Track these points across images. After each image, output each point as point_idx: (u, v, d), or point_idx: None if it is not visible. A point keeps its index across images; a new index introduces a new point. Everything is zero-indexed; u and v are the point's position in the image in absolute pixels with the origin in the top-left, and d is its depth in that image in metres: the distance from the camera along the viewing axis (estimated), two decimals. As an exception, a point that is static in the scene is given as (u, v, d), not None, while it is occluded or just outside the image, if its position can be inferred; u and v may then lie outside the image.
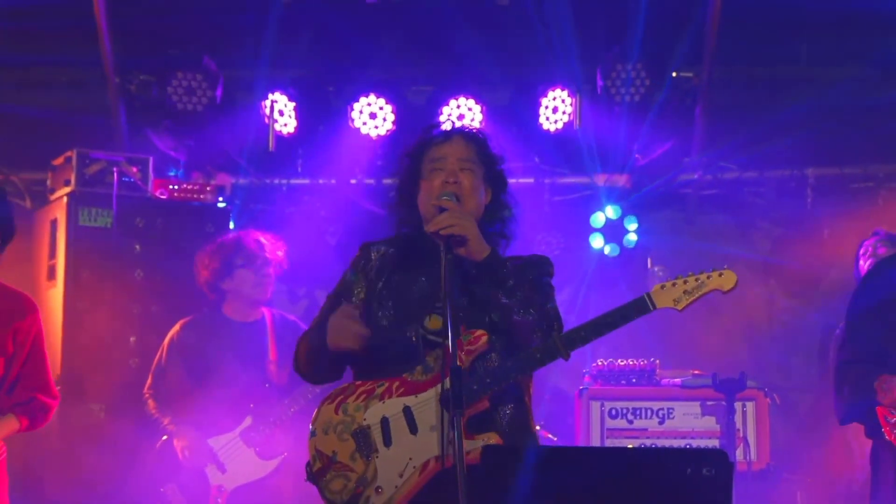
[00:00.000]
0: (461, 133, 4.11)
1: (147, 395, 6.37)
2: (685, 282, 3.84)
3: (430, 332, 3.91)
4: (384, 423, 3.90)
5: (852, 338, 4.89)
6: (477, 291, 3.81)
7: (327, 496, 3.90)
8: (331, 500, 3.90)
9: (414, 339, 3.93)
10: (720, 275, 3.83)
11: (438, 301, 3.83)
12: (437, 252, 3.84)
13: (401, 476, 3.84)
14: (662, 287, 3.83)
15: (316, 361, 4.10)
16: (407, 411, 3.87)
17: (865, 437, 4.84)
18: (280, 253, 6.54)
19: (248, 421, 6.23)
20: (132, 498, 6.32)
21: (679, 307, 3.82)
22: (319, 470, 3.92)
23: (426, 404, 3.86)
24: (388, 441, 3.89)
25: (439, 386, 3.82)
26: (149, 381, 6.39)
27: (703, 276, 3.83)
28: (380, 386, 3.94)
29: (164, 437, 6.29)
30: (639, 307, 3.83)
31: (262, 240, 6.48)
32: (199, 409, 6.25)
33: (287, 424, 6.22)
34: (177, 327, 6.44)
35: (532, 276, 4.01)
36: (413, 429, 3.86)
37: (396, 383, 3.92)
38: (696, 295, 3.82)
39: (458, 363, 3.73)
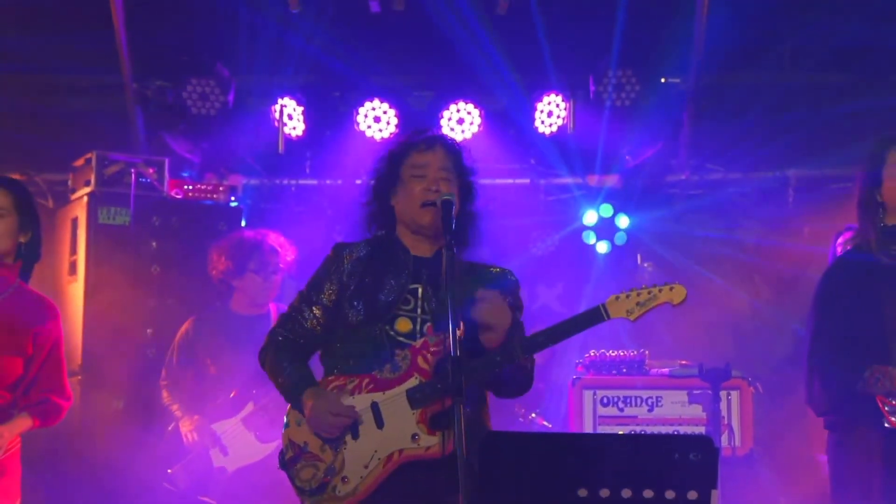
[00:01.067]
0: (443, 143, 4.10)
1: (162, 386, 6.45)
2: (638, 294, 3.79)
3: (400, 335, 3.92)
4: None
5: (829, 331, 4.83)
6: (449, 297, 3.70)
7: (297, 484, 3.93)
8: (300, 488, 3.93)
9: (383, 339, 3.93)
10: (671, 289, 3.80)
11: (406, 304, 3.92)
12: (405, 256, 3.93)
13: (366, 467, 3.86)
14: (617, 298, 3.79)
15: (274, 384, 4.13)
16: (374, 407, 3.88)
17: (825, 427, 4.80)
18: (290, 258, 6.56)
19: (249, 407, 6.26)
20: (144, 479, 6.34)
21: (632, 318, 3.78)
22: (291, 459, 3.96)
23: (393, 400, 3.87)
24: (355, 434, 3.90)
25: (407, 383, 3.86)
26: (163, 372, 6.46)
27: (655, 290, 3.79)
28: (350, 382, 3.95)
29: (172, 425, 6.36)
30: (593, 317, 3.80)
31: (277, 246, 6.50)
32: (206, 398, 6.33)
33: (284, 410, 6.22)
34: (187, 324, 6.50)
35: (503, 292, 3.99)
36: (379, 423, 3.88)
37: (366, 380, 3.93)
38: (648, 307, 3.77)
39: (425, 364, 3.83)
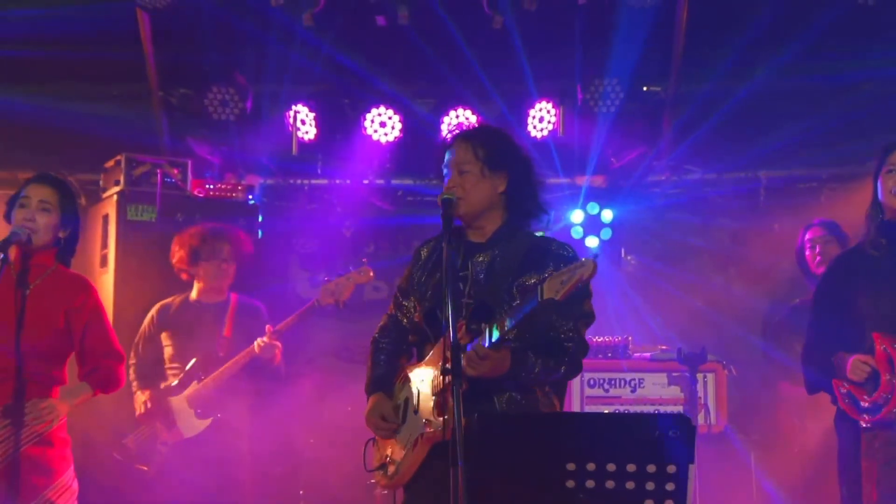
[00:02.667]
0: (461, 136, 4.02)
1: (129, 366, 6.38)
2: (561, 274, 3.49)
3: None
4: (406, 403, 3.94)
5: (817, 324, 4.86)
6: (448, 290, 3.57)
7: (370, 464, 4.01)
8: (370, 468, 4.01)
9: (429, 327, 3.92)
10: (581, 265, 3.47)
11: (455, 290, 3.77)
12: (460, 243, 3.86)
13: (403, 450, 3.86)
14: (550, 280, 3.51)
15: None
16: (417, 393, 3.88)
17: (831, 403, 4.80)
18: (246, 250, 6.54)
19: (194, 385, 6.25)
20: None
21: (558, 297, 3.47)
22: (376, 440, 4.05)
23: (424, 385, 3.87)
24: (403, 419, 3.91)
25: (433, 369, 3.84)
26: (131, 353, 6.41)
27: (572, 268, 3.48)
28: (408, 369, 3.95)
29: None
30: (531, 297, 3.53)
31: (230, 237, 6.46)
32: (160, 376, 6.34)
33: (223, 390, 6.24)
34: (153, 310, 6.49)
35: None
36: (417, 409, 3.87)
37: (417, 368, 3.93)
38: (568, 285, 3.46)
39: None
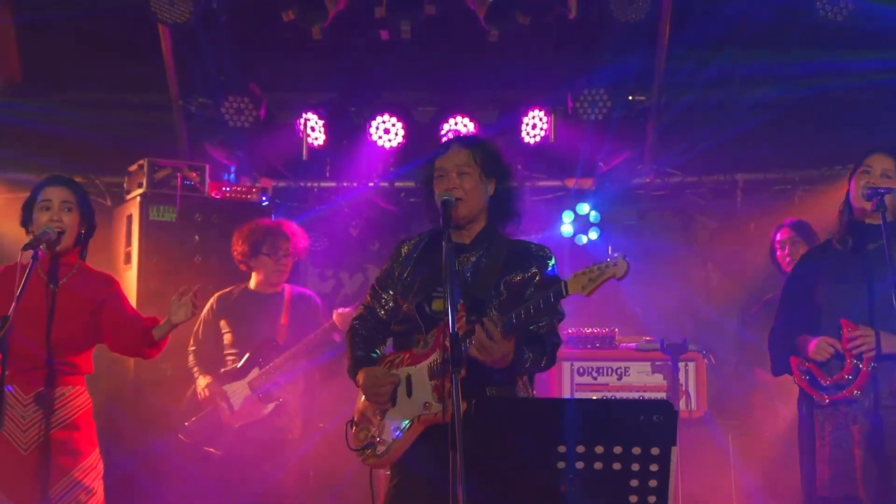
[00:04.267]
0: (458, 141, 4.08)
1: (190, 351, 6.43)
2: (590, 271, 3.60)
3: (436, 314, 3.87)
4: (395, 386, 3.92)
5: (783, 311, 4.89)
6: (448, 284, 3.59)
7: (352, 444, 3.96)
8: (354, 447, 3.96)
9: (422, 319, 3.92)
10: (615, 264, 3.58)
11: (440, 286, 3.81)
12: (441, 245, 3.81)
13: (396, 430, 3.87)
14: (576, 276, 3.61)
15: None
16: (408, 378, 3.89)
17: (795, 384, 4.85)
18: (302, 245, 6.54)
19: (255, 372, 6.23)
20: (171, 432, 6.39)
21: (586, 292, 3.58)
22: (352, 422, 4.02)
23: (420, 373, 3.87)
24: (394, 402, 3.91)
25: (431, 357, 3.84)
26: (191, 340, 6.43)
27: (602, 266, 3.59)
28: (397, 357, 3.96)
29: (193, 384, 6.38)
30: (556, 293, 3.63)
31: (289, 233, 6.44)
32: (220, 362, 6.32)
33: (286, 376, 6.24)
34: (212, 299, 6.48)
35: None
36: (409, 393, 3.88)
37: (407, 355, 3.94)
38: (598, 282, 3.57)
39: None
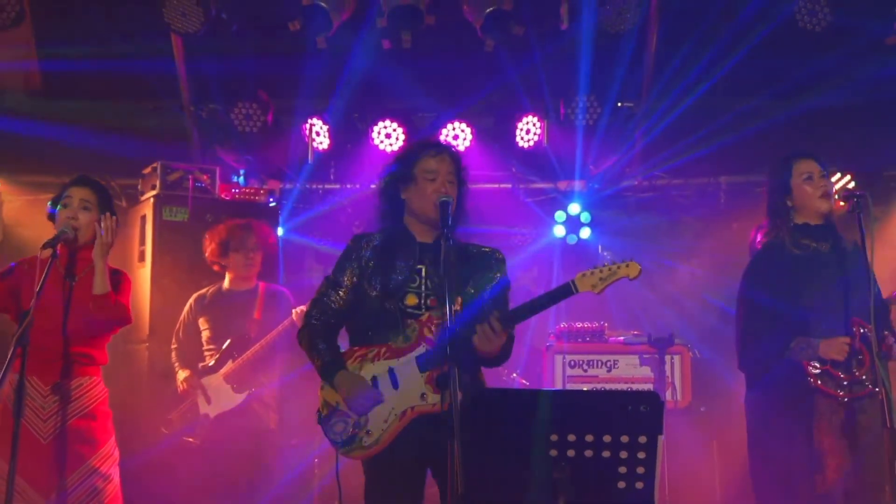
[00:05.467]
0: (449, 153, 4.10)
1: (172, 350, 6.43)
2: (601, 270, 3.68)
3: (409, 308, 3.89)
4: (374, 380, 3.88)
5: (755, 317, 4.75)
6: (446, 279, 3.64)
7: (330, 437, 3.87)
8: (333, 440, 3.87)
9: (396, 313, 3.91)
10: (627, 265, 3.69)
11: (413, 282, 3.88)
12: (412, 242, 3.91)
13: (385, 422, 3.83)
14: (584, 275, 3.68)
15: (311, 361, 4.02)
16: (391, 371, 3.87)
17: (747, 385, 4.78)
18: (270, 240, 6.53)
19: (229, 364, 6.24)
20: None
21: (596, 291, 3.67)
22: (326, 416, 3.90)
23: (405, 365, 3.86)
24: (380, 399, 3.88)
25: (416, 350, 3.84)
26: (173, 339, 6.45)
27: (614, 266, 3.68)
28: (371, 351, 3.92)
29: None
30: (564, 291, 3.70)
31: (255, 229, 6.42)
32: (198, 358, 6.33)
33: (256, 367, 6.24)
34: (191, 299, 6.48)
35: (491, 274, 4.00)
36: (395, 385, 3.86)
37: (384, 349, 3.90)
38: (609, 281, 3.66)
39: (430, 334, 3.82)
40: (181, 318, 6.45)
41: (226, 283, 6.47)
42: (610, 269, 3.69)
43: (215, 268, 6.48)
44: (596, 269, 3.69)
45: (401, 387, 3.85)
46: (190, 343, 6.40)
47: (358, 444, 3.84)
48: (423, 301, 3.91)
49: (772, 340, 4.63)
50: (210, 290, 6.49)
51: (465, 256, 3.99)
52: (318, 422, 3.92)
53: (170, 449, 6.23)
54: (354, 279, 4.01)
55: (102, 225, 4.53)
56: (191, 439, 6.21)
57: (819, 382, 4.52)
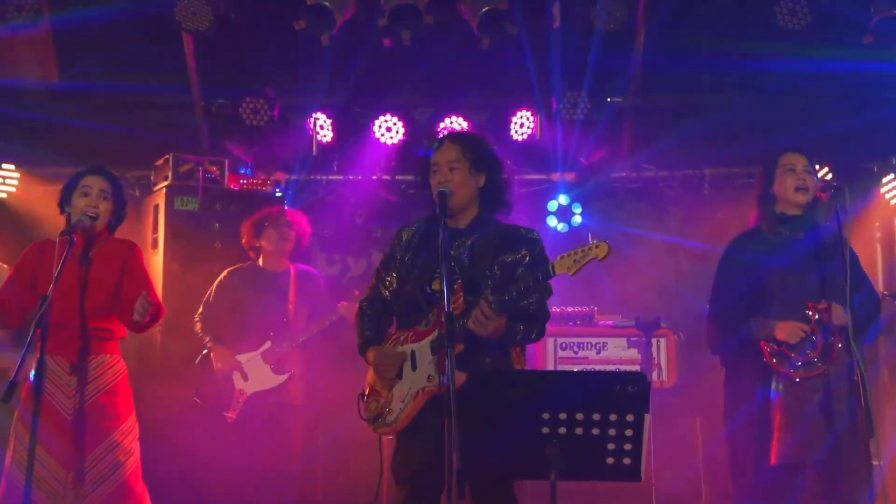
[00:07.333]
0: (450, 138, 4.08)
1: (196, 320, 6.39)
2: (575, 253, 3.63)
3: (436, 293, 3.88)
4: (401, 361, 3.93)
5: (724, 294, 4.86)
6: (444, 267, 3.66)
7: (364, 414, 3.98)
8: (365, 417, 3.99)
9: (423, 298, 3.93)
10: (596, 246, 3.61)
11: (438, 269, 3.80)
12: (442, 227, 3.82)
13: (402, 401, 3.89)
14: (561, 258, 3.65)
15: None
16: (412, 353, 3.91)
17: (721, 364, 4.87)
18: (304, 227, 6.55)
19: (267, 344, 6.24)
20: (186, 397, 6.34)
21: (571, 272, 3.63)
22: (365, 394, 4.02)
23: (423, 348, 3.89)
24: (400, 375, 3.92)
25: (433, 334, 3.86)
26: (200, 309, 6.41)
27: (585, 248, 3.62)
28: (402, 335, 3.98)
29: (204, 352, 6.32)
30: (544, 273, 3.67)
31: (288, 213, 6.51)
32: (233, 333, 6.30)
33: (297, 350, 6.25)
34: (224, 273, 6.47)
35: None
36: (414, 367, 3.90)
37: (411, 333, 3.95)
38: (582, 263, 3.61)
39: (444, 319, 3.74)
40: (212, 287, 6.41)
41: (260, 262, 6.48)
42: (583, 251, 3.62)
43: (251, 254, 6.47)
44: (571, 252, 3.66)
45: (417, 369, 3.89)
46: (219, 314, 6.35)
47: (382, 420, 3.94)
48: (454, 286, 3.86)
49: (732, 320, 4.73)
50: (244, 266, 6.48)
51: (501, 239, 3.96)
52: (359, 400, 4.02)
53: (207, 424, 6.16)
54: (394, 269, 4.06)
55: (139, 306, 4.40)
56: (227, 413, 6.17)
57: (774, 361, 4.60)
